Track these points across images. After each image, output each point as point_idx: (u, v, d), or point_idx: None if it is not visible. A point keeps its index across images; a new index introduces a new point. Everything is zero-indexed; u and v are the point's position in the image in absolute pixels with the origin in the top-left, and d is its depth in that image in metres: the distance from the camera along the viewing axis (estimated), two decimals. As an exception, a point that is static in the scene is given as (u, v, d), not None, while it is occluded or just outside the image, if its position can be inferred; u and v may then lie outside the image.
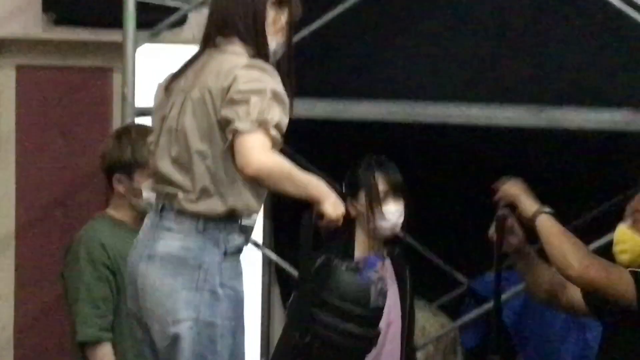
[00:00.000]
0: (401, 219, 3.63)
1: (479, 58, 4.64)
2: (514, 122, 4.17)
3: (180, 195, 2.90)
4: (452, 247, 4.97)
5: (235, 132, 2.79)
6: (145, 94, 4.09)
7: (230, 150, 2.83)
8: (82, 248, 3.45)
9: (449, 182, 4.74)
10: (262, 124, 2.79)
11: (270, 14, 2.96)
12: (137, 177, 3.48)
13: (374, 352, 3.46)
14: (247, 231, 2.95)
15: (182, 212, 2.90)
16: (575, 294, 3.37)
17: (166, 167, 2.94)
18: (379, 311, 2.95)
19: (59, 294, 5.23)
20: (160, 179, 2.97)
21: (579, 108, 4.22)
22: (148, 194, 3.37)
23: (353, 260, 3.09)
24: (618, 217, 3.39)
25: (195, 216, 2.88)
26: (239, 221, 2.92)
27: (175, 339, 2.85)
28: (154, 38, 4.34)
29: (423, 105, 4.24)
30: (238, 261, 2.93)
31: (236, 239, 2.91)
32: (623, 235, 3.30)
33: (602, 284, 3.14)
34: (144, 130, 3.50)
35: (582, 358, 4.52)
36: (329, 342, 2.86)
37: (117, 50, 4.46)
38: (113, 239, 3.45)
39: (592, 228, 4.52)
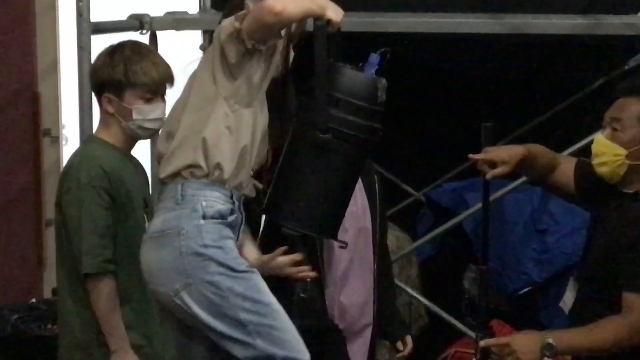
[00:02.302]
0: None
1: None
2: (477, 30, 4.14)
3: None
4: (399, 159, 4.96)
5: (241, 20, 2.88)
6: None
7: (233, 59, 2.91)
8: (82, 173, 3.23)
9: (397, 94, 4.70)
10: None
11: None
12: (128, 97, 3.26)
13: (347, 255, 3.48)
14: (238, 199, 2.98)
15: (164, 183, 2.98)
16: (563, 177, 3.33)
17: (161, 145, 3.04)
18: (383, 105, 3.09)
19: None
20: (161, 160, 3.04)
21: (540, 15, 4.22)
22: (138, 115, 3.25)
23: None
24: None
25: (173, 181, 2.94)
26: (225, 189, 2.95)
27: (185, 307, 2.91)
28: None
29: (383, 15, 4.17)
30: (223, 225, 2.94)
31: (219, 205, 2.94)
32: (601, 147, 3.18)
33: None
34: (139, 47, 3.33)
35: (542, 262, 4.60)
36: (344, 136, 2.99)
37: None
38: (110, 164, 3.27)
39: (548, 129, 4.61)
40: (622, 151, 3.14)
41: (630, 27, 4.25)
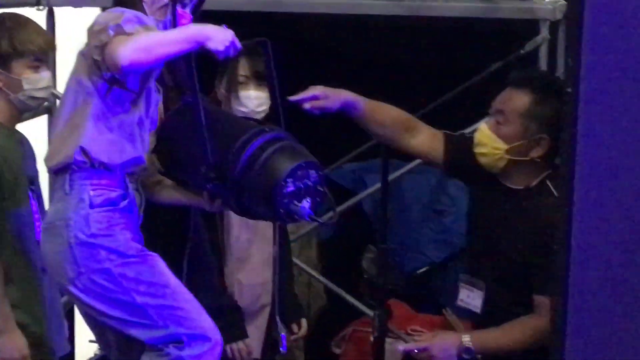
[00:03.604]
0: (261, 108, 3.55)
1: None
2: (376, 11, 4.17)
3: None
4: (299, 140, 4.95)
5: (102, 47, 2.79)
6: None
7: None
8: None
9: (299, 77, 4.71)
10: (119, 32, 2.79)
11: None
12: (16, 67, 3.21)
13: (246, 235, 3.52)
14: (134, 181, 2.97)
15: (55, 174, 2.95)
16: (424, 143, 3.32)
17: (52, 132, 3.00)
18: None
19: None
20: None
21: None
22: (28, 85, 3.22)
23: None
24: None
25: (61, 171, 2.91)
26: (116, 174, 2.92)
27: (80, 297, 2.90)
28: None
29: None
30: (113, 212, 2.92)
31: (108, 192, 2.91)
32: (483, 138, 3.17)
33: None
34: (18, 17, 3.29)
35: (439, 242, 4.66)
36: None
37: None
38: None
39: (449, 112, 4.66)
40: (502, 145, 3.11)
41: (526, 12, 4.35)
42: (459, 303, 3.32)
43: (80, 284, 2.87)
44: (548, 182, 3.15)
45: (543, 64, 4.82)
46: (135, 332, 2.89)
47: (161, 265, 2.93)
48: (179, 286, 2.92)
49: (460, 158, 3.26)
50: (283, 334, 3.58)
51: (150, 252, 2.94)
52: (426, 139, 3.31)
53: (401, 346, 3.17)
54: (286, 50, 4.52)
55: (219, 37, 2.79)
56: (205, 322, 2.92)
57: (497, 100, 3.18)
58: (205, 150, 2.86)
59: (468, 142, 3.24)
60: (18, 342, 3.20)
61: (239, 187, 2.87)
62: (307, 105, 3.14)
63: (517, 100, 3.12)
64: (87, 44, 2.88)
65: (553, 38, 4.58)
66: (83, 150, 2.87)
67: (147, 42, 2.75)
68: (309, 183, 2.89)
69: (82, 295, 2.89)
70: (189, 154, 2.97)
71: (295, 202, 2.85)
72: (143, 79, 2.91)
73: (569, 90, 2.63)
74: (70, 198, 2.90)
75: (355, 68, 4.87)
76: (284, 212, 2.85)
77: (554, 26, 4.59)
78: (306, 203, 2.87)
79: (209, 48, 2.77)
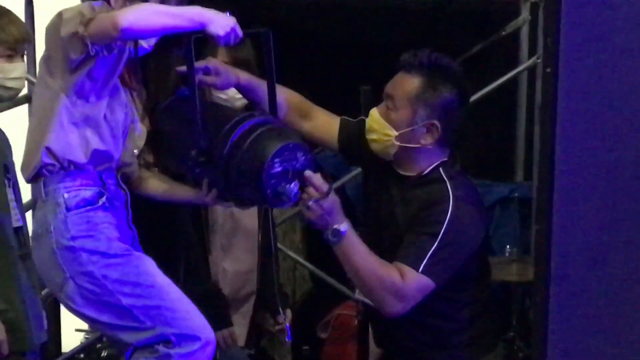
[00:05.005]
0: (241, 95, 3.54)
1: None
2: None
3: None
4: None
5: (86, 25, 2.72)
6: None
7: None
8: None
9: (277, 59, 4.71)
10: (103, 7, 2.79)
11: None
12: None
13: (231, 222, 3.52)
14: (113, 177, 2.95)
15: (32, 183, 2.96)
16: (318, 128, 3.21)
17: None
18: None
19: None
20: None
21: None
22: (1, 75, 3.17)
23: None
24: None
25: (36, 180, 2.91)
26: (90, 172, 2.90)
27: (69, 303, 2.89)
28: None
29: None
30: (93, 212, 2.90)
31: (83, 192, 2.89)
32: (374, 124, 3.03)
33: None
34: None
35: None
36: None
37: None
38: None
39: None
40: (392, 132, 2.99)
41: (506, -7, 4.35)
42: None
43: (69, 290, 2.86)
44: (441, 170, 3.03)
45: (524, 45, 4.83)
46: (124, 337, 2.86)
47: (147, 264, 2.88)
48: (166, 285, 2.87)
49: (355, 144, 3.16)
50: (287, 324, 3.55)
51: (136, 252, 2.90)
52: (321, 124, 3.22)
53: (307, 172, 2.83)
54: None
55: (221, 22, 2.74)
56: (195, 320, 2.86)
57: (388, 84, 3.04)
58: (197, 135, 2.82)
59: (363, 128, 3.11)
60: None
61: (227, 168, 2.82)
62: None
63: (406, 84, 2.99)
64: (46, 48, 2.84)
65: (534, 19, 4.59)
66: (49, 150, 2.85)
67: (149, 9, 2.71)
68: (297, 165, 2.84)
69: (71, 303, 2.87)
70: (182, 144, 2.92)
71: (283, 184, 2.81)
72: (109, 70, 2.86)
73: (548, 70, 2.63)
74: (48, 204, 2.89)
75: (338, 51, 4.87)
76: (271, 193, 2.80)
77: (535, 7, 4.60)
78: (294, 185, 2.84)
79: (209, 32, 2.72)
